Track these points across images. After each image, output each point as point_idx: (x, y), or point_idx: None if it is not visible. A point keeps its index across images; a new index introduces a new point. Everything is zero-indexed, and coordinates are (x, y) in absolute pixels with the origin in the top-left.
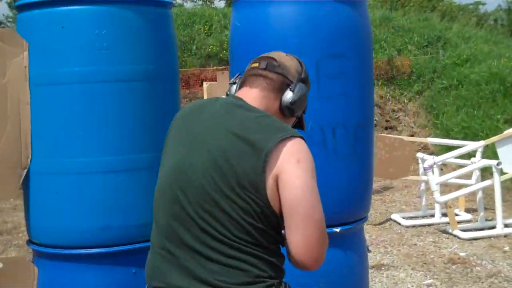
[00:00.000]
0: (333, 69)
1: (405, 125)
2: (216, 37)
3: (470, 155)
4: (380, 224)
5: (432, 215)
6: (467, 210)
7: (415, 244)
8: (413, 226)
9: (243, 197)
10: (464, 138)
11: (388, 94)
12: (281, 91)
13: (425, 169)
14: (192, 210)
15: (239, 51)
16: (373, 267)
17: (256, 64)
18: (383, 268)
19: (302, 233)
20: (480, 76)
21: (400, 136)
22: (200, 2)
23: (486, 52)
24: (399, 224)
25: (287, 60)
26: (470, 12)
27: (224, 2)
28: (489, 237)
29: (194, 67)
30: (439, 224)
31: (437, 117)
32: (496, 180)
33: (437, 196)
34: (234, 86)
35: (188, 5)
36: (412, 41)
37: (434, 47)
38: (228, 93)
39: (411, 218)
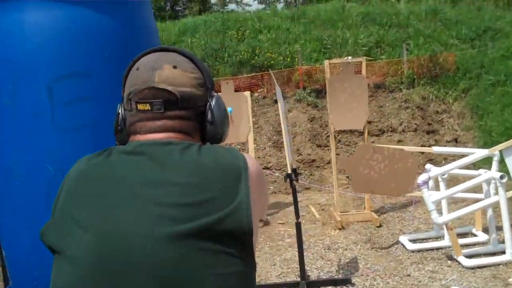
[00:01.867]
0: (71, 93)
1: (448, 128)
2: (249, 43)
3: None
4: (387, 248)
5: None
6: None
7: (409, 275)
8: (419, 251)
9: (220, 258)
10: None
11: (431, 95)
12: (197, 120)
13: (418, 185)
14: None
15: None
16: None
17: (146, 107)
18: None
19: None
20: None
21: (401, 147)
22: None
23: None
24: (405, 247)
25: (183, 80)
26: None
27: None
28: (498, 264)
29: (226, 75)
30: (448, 247)
31: (482, 117)
32: (502, 196)
33: (434, 216)
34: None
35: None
36: (459, 34)
37: (483, 39)
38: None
39: (422, 240)
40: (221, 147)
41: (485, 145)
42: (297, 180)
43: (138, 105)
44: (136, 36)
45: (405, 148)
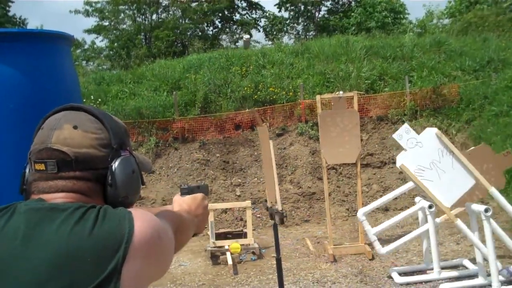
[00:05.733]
0: None
1: None
2: (252, 78)
3: None
4: (376, 281)
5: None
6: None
7: None
8: (407, 284)
9: None
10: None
11: (434, 126)
12: (98, 182)
13: (360, 220)
14: None
15: None
16: None
17: (41, 167)
18: None
19: None
20: None
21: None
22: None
23: None
24: (394, 281)
25: (82, 140)
26: None
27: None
28: None
29: (229, 111)
30: (437, 280)
31: None
32: (430, 225)
33: (378, 247)
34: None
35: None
36: (463, 66)
37: (487, 70)
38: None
39: (411, 273)
40: (111, 210)
41: None
42: (283, 222)
43: (35, 165)
44: (44, 86)
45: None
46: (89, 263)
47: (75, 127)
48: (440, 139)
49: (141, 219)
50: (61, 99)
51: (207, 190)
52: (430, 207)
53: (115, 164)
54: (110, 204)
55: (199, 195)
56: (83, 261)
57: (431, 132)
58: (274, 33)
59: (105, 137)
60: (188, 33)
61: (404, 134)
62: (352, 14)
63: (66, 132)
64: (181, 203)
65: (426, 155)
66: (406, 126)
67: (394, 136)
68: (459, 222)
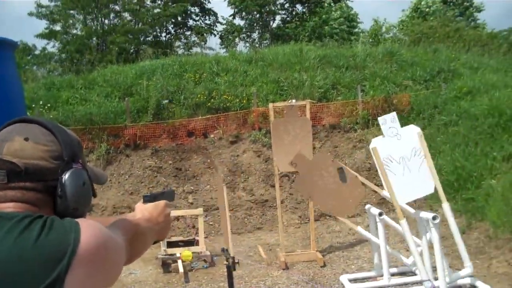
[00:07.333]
0: None
1: None
2: (205, 85)
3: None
4: None
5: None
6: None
7: None
8: None
9: None
10: (457, 180)
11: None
12: (49, 193)
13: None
14: None
15: None
16: None
17: None
18: None
19: None
20: (479, 110)
21: (356, 174)
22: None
23: (491, 83)
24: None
25: (32, 152)
26: (502, 39)
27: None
28: None
29: (182, 118)
30: (387, 287)
31: (434, 157)
32: (381, 232)
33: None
34: None
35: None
36: (414, 76)
37: (437, 80)
38: None
39: (363, 280)
40: (58, 221)
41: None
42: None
43: None
44: None
45: (360, 178)
46: (32, 272)
47: (26, 139)
48: (420, 139)
49: (88, 230)
50: (3, 106)
51: (172, 196)
52: (380, 214)
53: (66, 176)
54: (60, 216)
55: (161, 203)
56: (26, 270)
57: (414, 130)
58: (230, 39)
59: (56, 149)
60: (141, 38)
61: (389, 120)
62: (307, 23)
63: (17, 144)
64: (142, 210)
65: (400, 148)
66: (394, 114)
67: (380, 119)
68: (403, 222)
